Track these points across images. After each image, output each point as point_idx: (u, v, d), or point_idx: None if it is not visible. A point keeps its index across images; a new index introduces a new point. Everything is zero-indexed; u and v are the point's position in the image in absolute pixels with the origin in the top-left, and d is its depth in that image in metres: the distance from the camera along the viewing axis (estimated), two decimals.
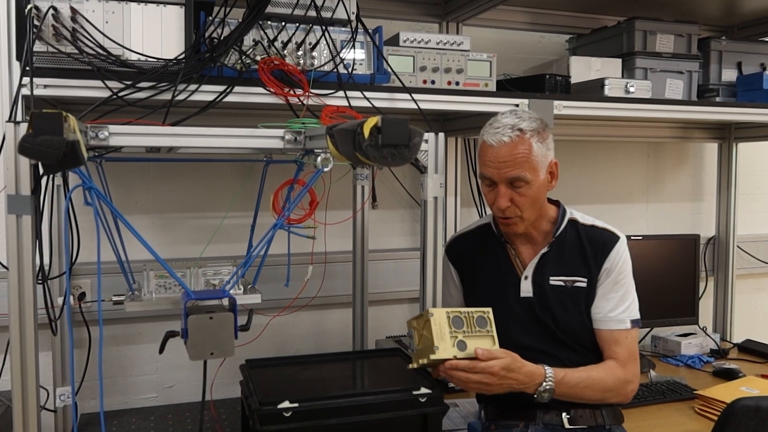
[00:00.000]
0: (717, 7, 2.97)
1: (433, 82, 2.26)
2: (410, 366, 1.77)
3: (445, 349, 1.69)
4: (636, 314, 1.97)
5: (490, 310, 1.77)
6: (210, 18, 1.94)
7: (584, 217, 2.04)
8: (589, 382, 1.87)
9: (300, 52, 2.03)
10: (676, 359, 2.92)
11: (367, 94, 2.07)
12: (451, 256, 2.12)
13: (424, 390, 1.71)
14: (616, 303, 1.95)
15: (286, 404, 1.60)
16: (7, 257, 1.48)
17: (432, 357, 1.69)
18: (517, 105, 2.24)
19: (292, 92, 1.97)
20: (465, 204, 2.91)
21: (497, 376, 1.71)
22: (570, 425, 1.92)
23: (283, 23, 2.02)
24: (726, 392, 2.31)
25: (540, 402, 1.82)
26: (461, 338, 1.71)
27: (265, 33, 2.00)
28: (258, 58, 1.97)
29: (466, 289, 2.10)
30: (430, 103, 2.18)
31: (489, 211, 2.04)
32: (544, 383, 1.79)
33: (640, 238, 2.91)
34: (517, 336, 1.93)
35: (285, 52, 2.02)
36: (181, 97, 1.86)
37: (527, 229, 1.98)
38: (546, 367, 1.82)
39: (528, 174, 1.86)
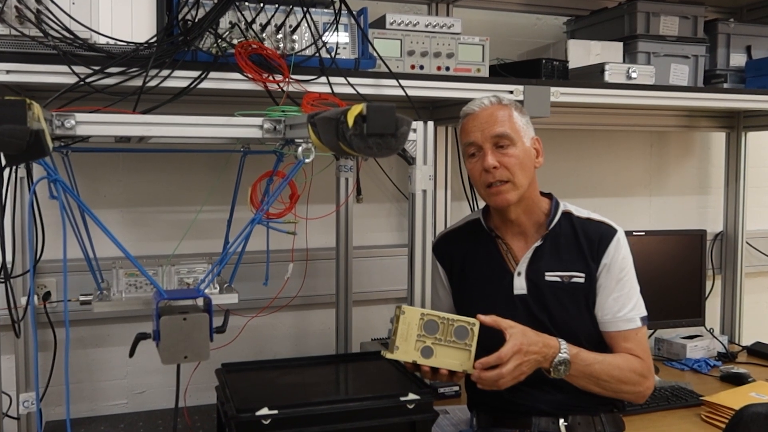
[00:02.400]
0: None
1: (421, 67, 2.28)
2: (382, 353, 1.78)
3: (405, 351, 1.72)
4: (643, 311, 2.01)
5: (477, 323, 1.77)
6: None
7: (579, 210, 2.07)
8: (605, 366, 1.89)
9: (279, 36, 2.05)
10: (681, 363, 2.94)
11: (352, 80, 2.08)
12: (439, 256, 2.12)
13: (412, 396, 1.70)
14: (623, 302, 1.98)
15: (265, 411, 1.61)
16: None
17: (388, 356, 1.73)
18: (511, 92, 2.26)
19: (271, 78, 1.98)
20: (456, 197, 2.93)
21: (522, 352, 1.74)
22: None
23: (262, 4, 2.03)
24: (734, 398, 2.31)
25: (555, 378, 1.83)
26: (429, 344, 1.73)
27: (243, 15, 2.01)
28: (235, 41, 1.98)
29: (455, 289, 2.12)
30: (418, 89, 2.19)
31: (480, 205, 2.06)
32: (560, 353, 1.81)
33: (643, 233, 2.92)
34: None
35: (264, 35, 2.03)
36: (152, 83, 1.87)
37: (519, 218, 2.01)
38: (558, 339, 1.85)
39: (511, 132, 1.94)
